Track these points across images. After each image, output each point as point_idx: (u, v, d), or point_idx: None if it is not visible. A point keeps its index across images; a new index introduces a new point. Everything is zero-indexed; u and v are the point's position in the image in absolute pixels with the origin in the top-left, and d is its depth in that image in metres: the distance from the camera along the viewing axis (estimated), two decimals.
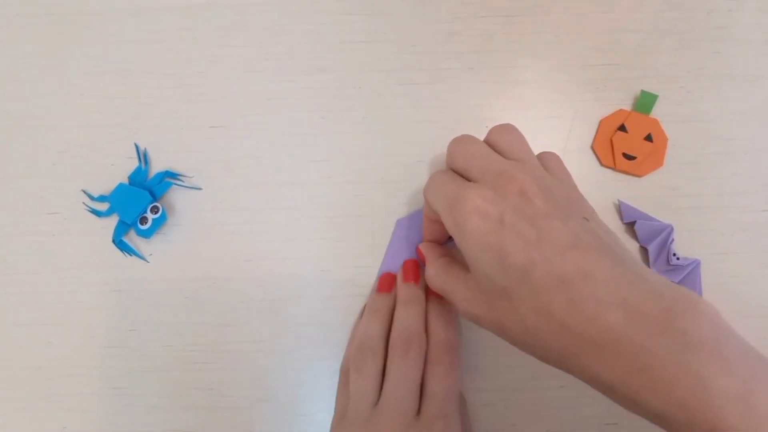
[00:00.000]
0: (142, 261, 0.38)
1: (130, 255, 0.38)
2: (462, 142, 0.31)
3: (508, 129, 0.31)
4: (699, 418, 0.21)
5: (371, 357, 0.32)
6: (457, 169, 0.30)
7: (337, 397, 0.34)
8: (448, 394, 0.31)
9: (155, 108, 0.40)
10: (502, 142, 0.30)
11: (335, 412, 0.33)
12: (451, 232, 0.28)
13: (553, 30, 0.40)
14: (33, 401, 0.38)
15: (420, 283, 0.35)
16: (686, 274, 0.36)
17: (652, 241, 0.36)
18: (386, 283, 0.36)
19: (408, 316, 0.33)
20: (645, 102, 0.38)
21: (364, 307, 0.36)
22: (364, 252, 0.38)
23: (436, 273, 0.31)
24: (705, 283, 0.36)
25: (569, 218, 0.26)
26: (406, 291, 0.35)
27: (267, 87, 0.40)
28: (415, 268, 0.36)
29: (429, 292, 0.35)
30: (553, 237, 0.25)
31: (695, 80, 0.39)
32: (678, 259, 0.36)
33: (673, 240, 0.36)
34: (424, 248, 0.34)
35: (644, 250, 0.37)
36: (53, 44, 0.41)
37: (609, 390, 0.24)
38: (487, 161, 0.29)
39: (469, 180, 0.29)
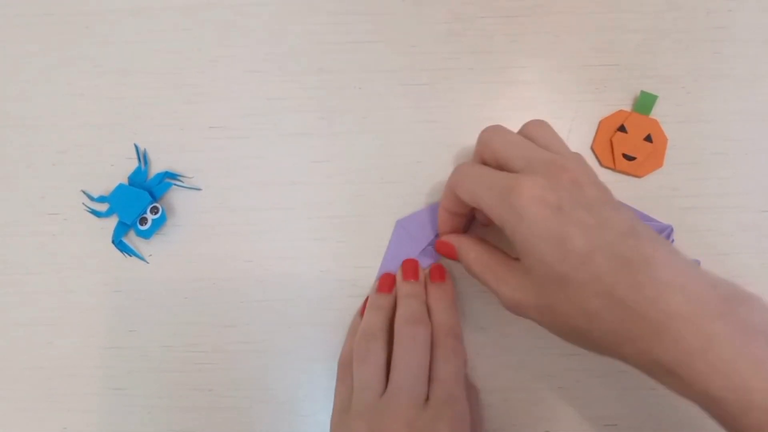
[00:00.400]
0: (142, 261, 0.38)
1: (130, 255, 0.38)
2: (499, 131, 0.31)
3: (544, 125, 0.31)
4: (758, 400, 0.21)
5: (376, 346, 0.32)
6: (495, 158, 0.30)
7: (336, 391, 0.34)
8: (455, 378, 0.31)
9: (155, 108, 0.40)
10: (540, 137, 0.30)
11: (335, 406, 0.33)
12: (502, 221, 0.27)
13: (553, 30, 0.40)
14: (33, 401, 0.38)
15: (420, 279, 0.35)
16: None
17: None
18: (386, 283, 0.36)
19: (411, 305, 0.33)
20: (645, 102, 0.38)
21: (363, 306, 0.36)
22: (364, 252, 0.38)
23: (476, 257, 0.31)
24: None
25: (620, 207, 0.27)
26: (407, 287, 0.35)
27: (267, 87, 0.40)
28: (415, 266, 0.36)
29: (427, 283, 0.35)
30: (612, 223, 0.25)
31: (695, 80, 0.39)
32: None
33: (673, 240, 0.36)
34: (453, 239, 0.33)
35: None
36: (53, 44, 0.41)
37: (667, 374, 0.24)
38: (531, 151, 0.29)
39: (508, 170, 0.29)
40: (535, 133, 0.31)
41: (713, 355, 0.22)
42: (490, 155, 0.30)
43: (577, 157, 0.30)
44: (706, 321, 0.23)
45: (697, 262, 0.36)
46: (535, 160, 0.28)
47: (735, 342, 0.22)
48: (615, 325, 0.24)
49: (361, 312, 0.36)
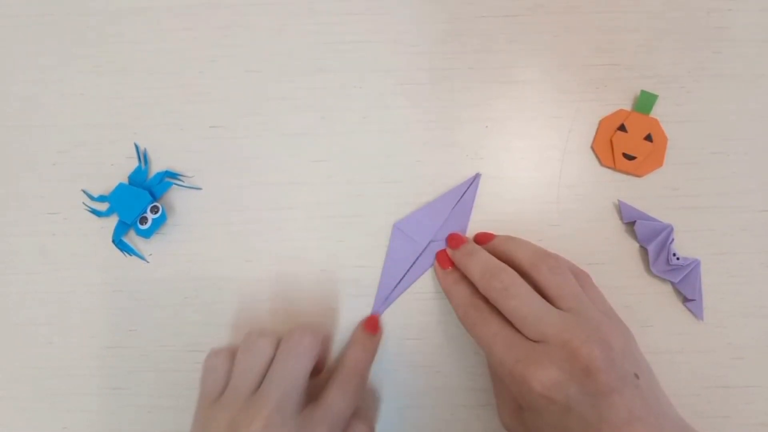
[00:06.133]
0: (142, 261, 0.38)
1: (130, 255, 0.38)
2: (516, 286, 0.31)
3: (558, 269, 0.32)
4: None
5: (266, 342, 0.32)
6: (510, 316, 0.31)
7: (204, 381, 0.33)
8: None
9: (155, 108, 0.40)
10: (553, 286, 0.31)
11: (200, 394, 0.32)
12: (510, 385, 0.30)
13: (553, 30, 0.40)
14: (33, 401, 0.38)
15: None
16: (686, 274, 0.36)
17: (652, 241, 0.36)
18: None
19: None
20: (645, 102, 0.38)
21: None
22: (364, 252, 0.38)
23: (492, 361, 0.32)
24: (705, 283, 0.36)
25: (626, 386, 0.28)
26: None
27: (267, 87, 0.40)
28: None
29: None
30: (611, 416, 0.27)
31: (695, 80, 0.39)
32: (678, 259, 0.36)
33: (673, 240, 0.36)
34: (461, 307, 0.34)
35: (644, 250, 0.37)
36: (53, 44, 0.41)
37: None
38: (546, 322, 0.29)
39: (520, 329, 0.30)
40: (547, 281, 0.31)
41: None
42: (501, 308, 0.31)
43: (595, 326, 0.29)
44: None
45: (697, 262, 0.36)
46: (551, 338, 0.29)
47: None
48: None
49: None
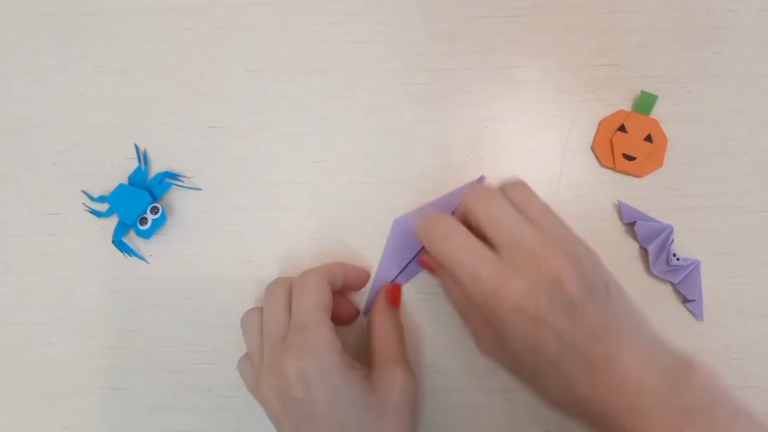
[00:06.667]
0: (142, 261, 0.38)
1: (130, 255, 0.38)
2: (481, 199, 0.31)
3: (527, 190, 0.32)
4: None
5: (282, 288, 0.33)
6: (477, 227, 0.30)
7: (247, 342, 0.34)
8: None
9: (155, 108, 0.40)
10: (521, 202, 0.31)
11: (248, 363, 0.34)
12: (482, 307, 0.29)
13: (553, 30, 0.40)
14: (33, 401, 0.38)
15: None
16: (686, 274, 0.36)
17: (652, 241, 0.36)
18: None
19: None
20: (645, 102, 0.38)
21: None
22: (364, 252, 0.38)
23: (454, 298, 0.33)
24: (705, 284, 0.36)
25: (596, 295, 0.28)
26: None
27: (267, 87, 0.40)
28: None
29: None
30: (584, 325, 0.27)
31: (695, 80, 0.39)
32: (678, 259, 0.36)
33: (672, 240, 0.36)
34: (436, 269, 0.34)
35: (644, 251, 0.37)
36: (53, 44, 0.41)
37: None
38: (513, 232, 0.29)
39: (488, 240, 0.30)
40: (518, 199, 0.31)
41: None
42: (473, 222, 0.31)
43: (560, 235, 0.30)
44: (649, 414, 0.26)
45: (697, 262, 0.36)
46: (517, 249, 0.28)
47: (675, 425, 0.25)
48: (578, 409, 0.28)
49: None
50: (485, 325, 0.30)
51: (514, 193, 0.31)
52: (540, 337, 0.27)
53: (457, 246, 0.30)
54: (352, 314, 0.36)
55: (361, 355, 0.35)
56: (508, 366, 0.31)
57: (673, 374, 0.27)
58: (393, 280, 0.37)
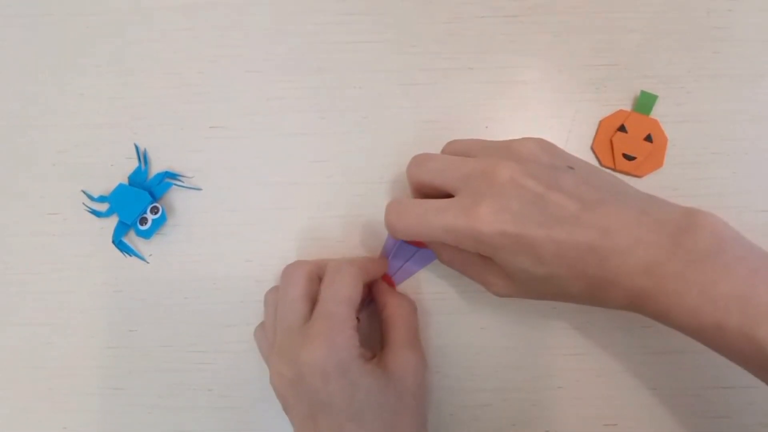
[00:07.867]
0: (142, 261, 0.38)
1: (130, 255, 0.38)
2: (421, 163, 0.31)
3: (455, 141, 0.33)
4: (707, 321, 0.24)
5: (301, 272, 0.33)
6: (429, 188, 0.31)
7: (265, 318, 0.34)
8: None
9: (155, 108, 0.40)
10: (457, 150, 0.32)
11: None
12: (480, 253, 0.29)
13: (553, 30, 0.40)
14: (33, 401, 0.38)
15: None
16: None
17: None
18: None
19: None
20: (645, 102, 0.38)
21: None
22: (363, 252, 0.38)
23: (450, 260, 0.33)
24: None
25: (559, 180, 0.28)
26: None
27: (267, 87, 0.40)
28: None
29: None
30: (563, 210, 0.27)
31: (695, 80, 0.39)
32: None
33: None
34: (424, 242, 0.34)
35: None
36: (53, 44, 0.41)
37: (641, 310, 0.27)
38: (460, 168, 0.30)
39: (449, 192, 0.30)
40: (452, 149, 0.32)
41: (668, 294, 0.25)
42: (427, 186, 0.31)
43: (498, 147, 0.30)
44: (660, 265, 0.25)
45: None
46: (469, 178, 0.29)
47: (682, 276, 0.25)
48: (594, 292, 0.28)
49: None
50: (488, 269, 0.30)
51: (448, 147, 0.33)
52: (529, 239, 0.27)
53: (417, 217, 0.30)
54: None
55: (366, 341, 0.35)
56: (527, 293, 0.30)
57: (676, 226, 0.26)
58: (393, 276, 0.37)
